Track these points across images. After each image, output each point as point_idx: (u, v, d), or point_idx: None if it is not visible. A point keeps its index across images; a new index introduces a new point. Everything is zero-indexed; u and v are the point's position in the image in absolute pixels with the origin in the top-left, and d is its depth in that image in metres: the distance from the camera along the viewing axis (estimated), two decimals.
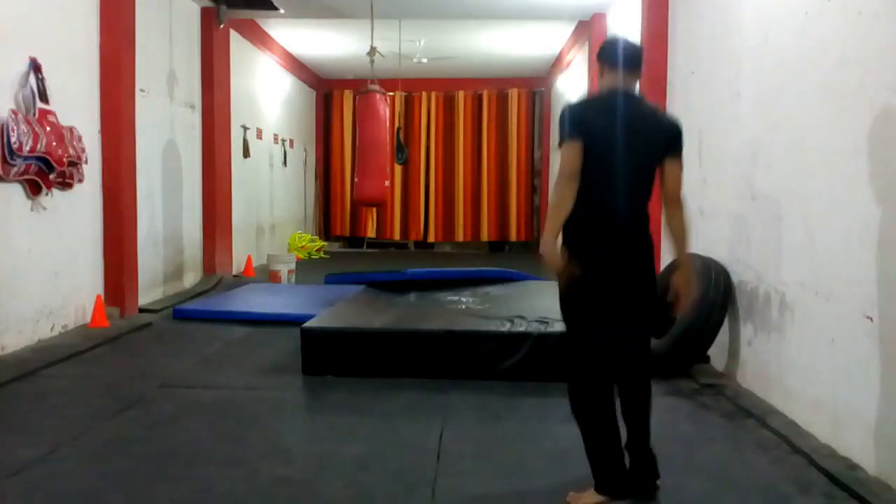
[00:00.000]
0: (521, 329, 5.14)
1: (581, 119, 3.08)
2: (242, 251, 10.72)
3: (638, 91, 3.28)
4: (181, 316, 7.15)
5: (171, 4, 8.36)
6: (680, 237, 3.20)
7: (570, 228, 3.08)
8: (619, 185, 3.07)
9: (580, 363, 3.17)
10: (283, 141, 13.15)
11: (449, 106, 15.54)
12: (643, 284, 3.17)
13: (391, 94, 11.70)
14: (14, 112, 5.28)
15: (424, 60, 12.85)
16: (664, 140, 3.15)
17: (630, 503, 3.07)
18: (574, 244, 3.09)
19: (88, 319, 6.46)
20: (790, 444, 3.77)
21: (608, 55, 3.17)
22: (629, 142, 3.06)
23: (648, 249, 3.19)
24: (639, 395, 3.21)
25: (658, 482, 3.20)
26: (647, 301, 3.20)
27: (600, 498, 3.08)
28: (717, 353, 5.25)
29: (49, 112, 5.71)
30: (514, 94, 15.32)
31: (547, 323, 5.20)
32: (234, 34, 10.08)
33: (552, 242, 3.05)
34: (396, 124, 14.19)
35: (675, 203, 3.17)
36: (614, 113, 3.09)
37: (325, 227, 16.02)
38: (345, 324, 5.45)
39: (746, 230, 4.85)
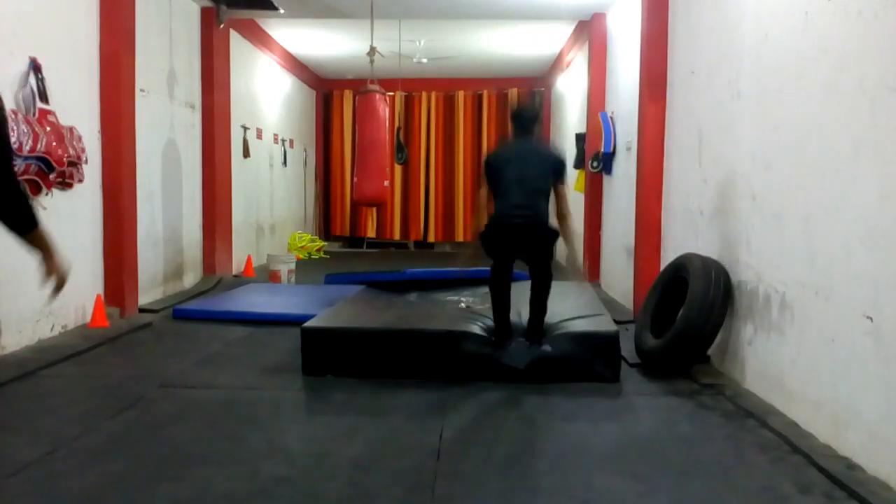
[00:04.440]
0: (521, 329, 5.14)
1: (487, 165, 5.15)
2: (242, 251, 10.72)
3: (534, 138, 5.36)
4: (181, 316, 7.14)
5: (171, 4, 8.36)
6: (567, 238, 5.14)
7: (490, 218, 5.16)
8: (512, 195, 4.95)
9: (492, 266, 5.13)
10: (283, 141, 13.15)
11: (449, 106, 15.55)
12: (530, 243, 5.04)
13: (391, 94, 11.70)
14: (14, 112, 5.28)
15: (424, 60, 12.85)
16: (549, 168, 5.05)
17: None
18: (489, 225, 5.13)
19: (88, 319, 6.46)
20: (790, 444, 3.77)
21: (512, 120, 5.26)
22: (519, 168, 4.96)
23: (540, 233, 5.00)
24: (537, 286, 5.09)
25: (544, 347, 5.03)
26: (537, 249, 5.07)
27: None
28: (717, 353, 5.25)
29: (49, 112, 5.71)
30: (514, 94, 15.31)
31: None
32: (234, 34, 10.08)
33: (476, 232, 5.27)
34: (396, 124, 14.20)
35: (563, 217, 5.13)
36: (510, 152, 5.16)
37: (325, 227, 16.03)
38: (345, 324, 5.45)
39: (746, 230, 4.84)
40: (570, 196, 5.27)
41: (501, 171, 5.01)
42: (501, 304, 5.07)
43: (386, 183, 9.71)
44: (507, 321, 5.11)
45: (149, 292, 7.71)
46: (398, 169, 14.91)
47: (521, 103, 5.52)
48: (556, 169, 5.09)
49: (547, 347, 5.02)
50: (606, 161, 9.00)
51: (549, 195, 5.04)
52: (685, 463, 3.61)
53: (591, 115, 9.57)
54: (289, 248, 13.09)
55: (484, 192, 5.19)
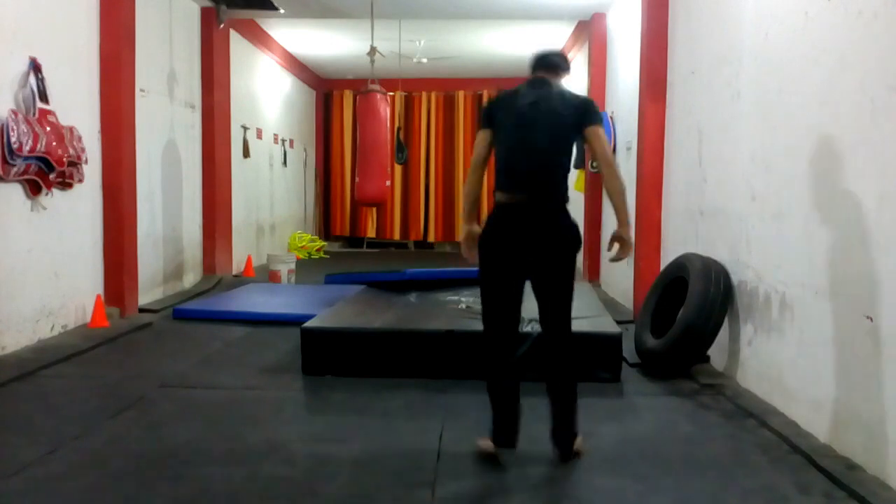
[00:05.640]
0: (521, 329, 5.13)
1: (490, 110, 3.67)
2: (242, 251, 10.72)
3: (554, 83, 3.61)
4: (181, 316, 7.14)
5: (171, 4, 8.36)
6: (613, 194, 3.51)
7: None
8: (522, 160, 3.52)
9: (485, 326, 3.68)
10: (283, 141, 13.15)
11: (449, 106, 15.55)
12: (541, 248, 3.48)
13: (391, 94, 11.70)
14: (14, 112, 5.28)
15: (424, 60, 12.85)
16: (572, 114, 3.50)
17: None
18: (486, 224, 3.57)
19: (88, 319, 6.46)
20: (790, 444, 3.77)
21: (530, 64, 3.70)
22: (530, 118, 3.50)
23: (557, 231, 3.49)
24: (557, 368, 3.58)
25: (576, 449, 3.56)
26: (550, 262, 3.50)
27: (490, 444, 3.54)
28: (717, 353, 5.25)
29: (49, 112, 5.71)
30: None
31: None
32: (234, 34, 10.08)
33: (465, 229, 3.73)
34: (396, 124, 14.20)
35: (605, 165, 3.51)
36: (517, 98, 3.57)
37: (325, 227, 16.03)
38: (345, 324, 5.45)
39: (746, 230, 4.84)
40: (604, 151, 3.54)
41: (505, 129, 3.60)
42: (503, 397, 3.60)
43: (387, 182, 9.72)
44: (507, 417, 3.58)
45: (149, 292, 7.71)
46: (398, 169, 14.89)
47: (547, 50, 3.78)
48: (584, 110, 3.54)
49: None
50: None
51: (569, 167, 3.65)
52: (685, 463, 3.61)
53: None
54: (289, 248, 13.09)
55: (478, 158, 3.74)
